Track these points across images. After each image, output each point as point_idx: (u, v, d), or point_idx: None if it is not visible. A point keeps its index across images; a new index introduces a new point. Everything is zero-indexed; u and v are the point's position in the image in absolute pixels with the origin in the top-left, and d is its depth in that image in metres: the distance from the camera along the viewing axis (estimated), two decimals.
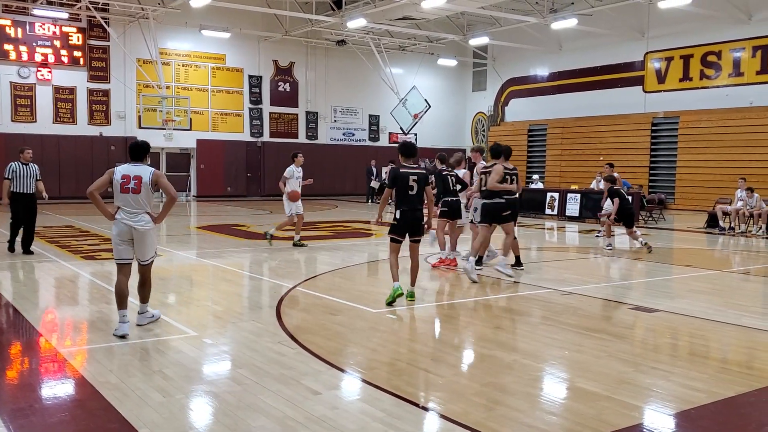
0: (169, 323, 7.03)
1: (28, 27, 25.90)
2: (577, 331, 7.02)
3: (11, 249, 11.86)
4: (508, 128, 33.70)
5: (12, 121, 25.81)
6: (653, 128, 27.43)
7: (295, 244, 13.26)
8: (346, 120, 33.87)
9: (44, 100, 26.45)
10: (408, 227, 8.14)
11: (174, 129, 27.81)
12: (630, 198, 14.78)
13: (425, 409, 4.78)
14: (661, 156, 27.30)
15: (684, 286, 10.03)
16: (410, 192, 8.07)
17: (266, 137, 31.48)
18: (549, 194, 22.46)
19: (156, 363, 5.72)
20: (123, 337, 6.42)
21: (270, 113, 31.59)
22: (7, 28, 25.53)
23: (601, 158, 26.56)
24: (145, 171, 6.62)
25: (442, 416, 4.62)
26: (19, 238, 11.87)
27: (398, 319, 7.67)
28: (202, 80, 29.75)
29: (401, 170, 8.10)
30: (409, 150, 8.25)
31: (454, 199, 10.97)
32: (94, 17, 25.99)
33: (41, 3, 24.97)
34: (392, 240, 8.22)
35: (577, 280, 10.08)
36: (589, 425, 4.40)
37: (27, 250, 11.78)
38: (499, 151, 10.23)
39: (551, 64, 31.93)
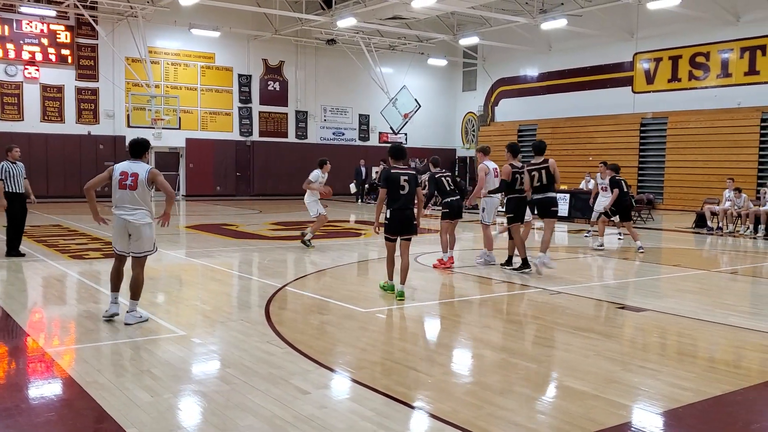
0: (158, 323, 7.00)
1: (15, 24, 25.71)
2: (566, 330, 7.05)
3: (11, 252, 11.49)
4: (498, 128, 33.77)
5: None
6: (642, 128, 27.57)
7: (303, 242, 13.25)
8: (336, 119, 33.84)
9: (32, 98, 26.26)
10: (399, 226, 8.41)
11: (163, 128, 27.67)
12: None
13: (414, 407, 4.78)
14: (650, 156, 27.44)
15: (672, 286, 10.09)
16: (401, 192, 8.34)
17: (256, 136, 31.40)
18: None
19: (144, 362, 5.69)
20: (112, 317, 6.59)
21: (259, 112, 31.51)
22: None
23: (591, 158, 26.66)
24: (142, 168, 6.81)
25: (431, 415, 4.62)
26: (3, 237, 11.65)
27: (387, 319, 7.67)
28: (191, 79, 29.64)
29: (392, 171, 8.39)
30: (399, 152, 8.59)
31: (454, 199, 11.03)
32: (83, 15, 25.84)
33: (29, 1, 24.78)
34: (386, 239, 8.55)
35: (566, 280, 10.11)
36: (577, 424, 4.42)
37: (16, 252, 11.55)
38: (543, 147, 10.59)
39: (541, 64, 32.03)
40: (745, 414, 4.80)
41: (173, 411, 4.66)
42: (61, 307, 8.09)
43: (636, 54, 27.92)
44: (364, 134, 34.67)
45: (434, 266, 10.95)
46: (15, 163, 11.43)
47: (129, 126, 27.52)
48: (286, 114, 32.32)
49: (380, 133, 34.63)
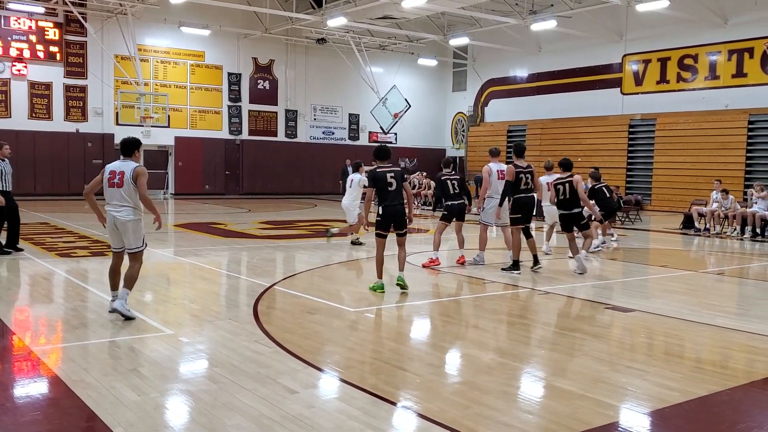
0: (146, 321, 6.97)
1: (3, 21, 25.53)
2: (554, 330, 7.07)
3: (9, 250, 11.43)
4: (488, 128, 33.84)
5: None
6: (630, 130, 27.72)
7: (353, 243, 13.75)
8: (325, 119, 33.80)
9: (19, 95, 26.09)
10: (391, 220, 8.70)
11: (152, 126, 27.57)
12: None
13: (401, 407, 4.78)
14: (638, 157, 27.59)
15: (659, 287, 10.14)
16: (390, 188, 8.61)
17: (245, 135, 31.33)
18: None
19: (131, 361, 5.66)
20: (112, 311, 6.94)
21: (249, 111, 31.44)
22: None
23: (579, 159, 26.69)
24: (128, 166, 7.02)
25: (419, 415, 4.62)
26: None
27: (376, 318, 7.67)
28: (180, 77, 29.53)
29: (378, 170, 8.66)
30: (383, 153, 8.87)
31: (455, 202, 11.10)
32: (71, 12, 25.69)
33: None
34: (377, 235, 8.75)
35: (554, 280, 10.14)
36: (564, 423, 4.43)
37: (8, 250, 11.48)
38: (570, 164, 10.94)
39: (530, 65, 32.12)
40: (731, 414, 4.83)
41: (160, 410, 4.64)
42: (48, 305, 8.04)
43: (625, 56, 28.06)
44: (354, 134, 34.66)
45: (423, 265, 10.97)
46: (4, 160, 11.37)
47: (117, 124, 27.39)
48: (276, 113, 32.27)
49: (370, 132, 34.63)
